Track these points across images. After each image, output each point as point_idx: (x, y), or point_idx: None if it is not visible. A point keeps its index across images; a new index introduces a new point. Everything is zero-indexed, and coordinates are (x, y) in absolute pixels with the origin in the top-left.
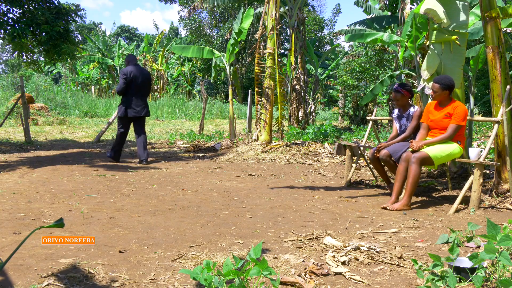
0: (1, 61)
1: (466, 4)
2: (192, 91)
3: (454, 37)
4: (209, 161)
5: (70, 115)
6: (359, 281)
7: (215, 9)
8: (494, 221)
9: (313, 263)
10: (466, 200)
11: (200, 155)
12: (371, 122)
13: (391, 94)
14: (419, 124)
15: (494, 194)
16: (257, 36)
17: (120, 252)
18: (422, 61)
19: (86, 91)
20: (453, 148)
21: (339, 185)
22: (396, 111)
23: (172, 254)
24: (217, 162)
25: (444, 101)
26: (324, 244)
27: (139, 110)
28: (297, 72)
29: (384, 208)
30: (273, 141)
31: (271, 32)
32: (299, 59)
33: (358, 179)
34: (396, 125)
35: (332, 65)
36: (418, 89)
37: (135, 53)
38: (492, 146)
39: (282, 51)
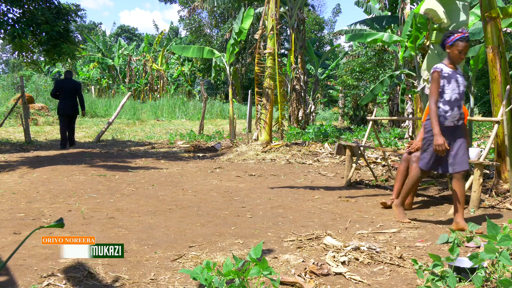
0: (1, 61)
1: (466, 4)
2: (192, 91)
3: None
4: (209, 161)
5: None
6: (359, 281)
7: (215, 9)
8: (494, 221)
9: (313, 263)
10: (466, 200)
11: (200, 155)
12: (371, 122)
13: (459, 44)
14: None
15: (494, 194)
16: (257, 36)
17: None
18: (422, 61)
19: (86, 91)
20: None
21: (339, 185)
22: (445, 68)
23: (172, 254)
24: (217, 162)
25: None
26: (324, 244)
27: (67, 110)
28: (297, 72)
29: (385, 205)
30: (273, 141)
31: (271, 32)
32: (299, 59)
33: (358, 179)
34: (448, 87)
35: (332, 65)
36: (418, 89)
37: (135, 53)
38: (492, 146)
39: (282, 51)
